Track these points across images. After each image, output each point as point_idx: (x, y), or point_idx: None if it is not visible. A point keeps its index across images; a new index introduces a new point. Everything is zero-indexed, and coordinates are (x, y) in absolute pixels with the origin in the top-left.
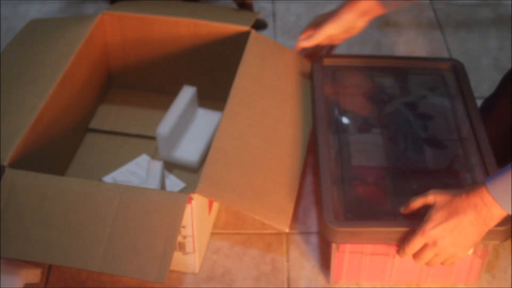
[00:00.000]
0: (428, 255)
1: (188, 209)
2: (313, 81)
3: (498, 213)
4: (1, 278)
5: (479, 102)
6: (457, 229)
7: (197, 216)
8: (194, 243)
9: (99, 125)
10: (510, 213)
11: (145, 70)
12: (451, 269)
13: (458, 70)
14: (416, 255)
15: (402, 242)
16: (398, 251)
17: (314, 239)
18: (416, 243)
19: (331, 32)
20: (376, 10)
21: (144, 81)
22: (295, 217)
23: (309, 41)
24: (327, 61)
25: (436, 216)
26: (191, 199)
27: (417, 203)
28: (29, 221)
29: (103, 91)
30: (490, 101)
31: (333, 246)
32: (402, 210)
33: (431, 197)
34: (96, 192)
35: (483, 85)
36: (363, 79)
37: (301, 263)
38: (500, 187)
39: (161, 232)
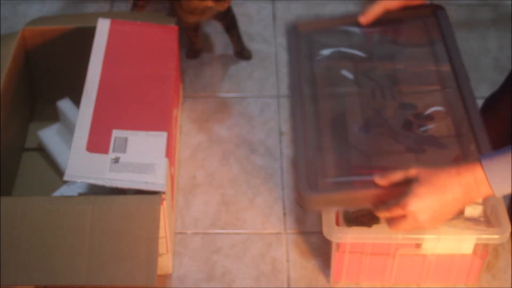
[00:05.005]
0: (405, 226)
1: (160, 210)
2: (288, 47)
3: (485, 192)
4: None
5: (479, 102)
6: (440, 205)
7: (167, 216)
8: (167, 244)
9: (36, 143)
10: (497, 195)
11: (70, 82)
12: (451, 269)
13: (440, 17)
14: (392, 224)
15: (378, 204)
16: (374, 211)
17: (314, 239)
18: (395, 214)
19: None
20: None
21: (70, 93)
22: (295, 217)
23: (365, 16)
24: (302, 27)
25: (420, 190)
26: (163, 200)
27: (397, 176)
28: (3, 245)
29: (31, 108)
30: (493, 98)
31: (333, 245)
32: (378, 180)
33: (413, 171)
34: (66, 207)
35: (483, 85)
36: (340, 40)
37: (301, 263)
38: (497, 166)
39: (141, 235)
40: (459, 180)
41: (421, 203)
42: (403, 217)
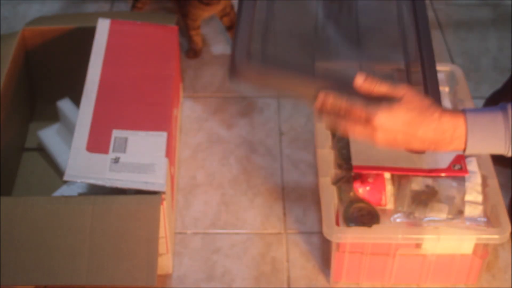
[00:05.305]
0: (361, 133)
1: (160, 210)
2: None
3: (456, 146)
4: None
5: (479, 102)
6: (405, 137)
7: (167, 216)
8: (167, 244)
9: (36, 143)
10: (467, 152)
11: (70, 82)
12: (451, 269)
13: None
14: (346, 124)
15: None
16: (318, 106)
17: (314, 239)
18: (358, 119)
19: None
20: None
21: (70, 93)
22: (295, 217)
23: None
24: None
25: (398, 109)
26: (163, 200)
27: (383, 87)
28: (3, 245)
29: (31, 108)
30: (494, 98)
31: (333, 245)
32: (360, 77)
33: (402, 90)
34: (66, 207)
35: (483, 85)
36: None
37: (301, 263)
38: (481, 122)
39: (141, 235)
40: (436, 126)
41: (390, 123)
42: (362, 124)
